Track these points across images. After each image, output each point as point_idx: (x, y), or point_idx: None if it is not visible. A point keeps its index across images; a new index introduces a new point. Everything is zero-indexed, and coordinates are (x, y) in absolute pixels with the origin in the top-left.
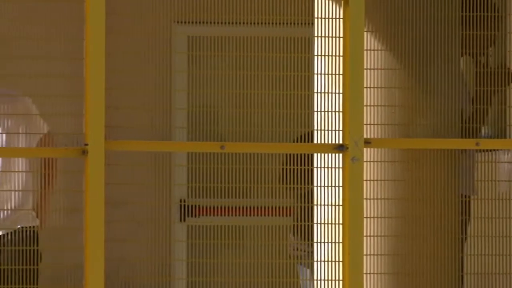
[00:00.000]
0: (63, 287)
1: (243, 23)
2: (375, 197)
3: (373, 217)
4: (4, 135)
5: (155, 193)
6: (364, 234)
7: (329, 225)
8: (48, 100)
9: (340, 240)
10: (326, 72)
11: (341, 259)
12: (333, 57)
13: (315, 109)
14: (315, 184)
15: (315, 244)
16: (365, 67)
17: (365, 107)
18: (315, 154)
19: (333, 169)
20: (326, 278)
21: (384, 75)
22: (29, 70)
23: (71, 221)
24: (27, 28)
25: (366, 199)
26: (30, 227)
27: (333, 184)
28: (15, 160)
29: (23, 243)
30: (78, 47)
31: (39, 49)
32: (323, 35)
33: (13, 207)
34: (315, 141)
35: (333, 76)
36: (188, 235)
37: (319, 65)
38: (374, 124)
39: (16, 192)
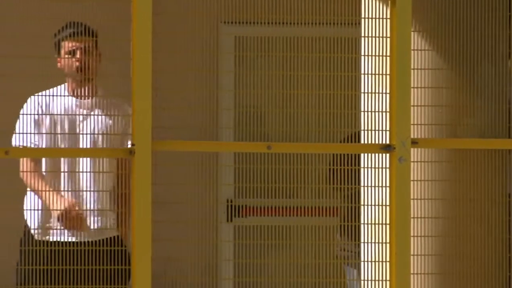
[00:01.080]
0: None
1: (290, 23)
2: (422, 197)
3: (420, 217)
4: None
5: (202, 193)
6: (411, 234)
7: (376, 225)
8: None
9: (387, 241)
10: (373, 72)
11: (388, 260)
12: (380, 57)
13: (362, 109)
14: (362, 184)
15: (362, 245)
16: (412, 67)
17: (412, 107)
18: (362, 154)
19: (380, 169)
20: (373, 278)
21: (431, 75)
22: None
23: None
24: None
25: (413, 199)
26: (115, 236)
27: (380, 184)
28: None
29: (109, 245)
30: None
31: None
32: (370, 35)
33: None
34: (362, 142)
35: (380, 76)
36: (235, 235)
37: (366, 65)
38: (421, 124)
39: (100, 194)
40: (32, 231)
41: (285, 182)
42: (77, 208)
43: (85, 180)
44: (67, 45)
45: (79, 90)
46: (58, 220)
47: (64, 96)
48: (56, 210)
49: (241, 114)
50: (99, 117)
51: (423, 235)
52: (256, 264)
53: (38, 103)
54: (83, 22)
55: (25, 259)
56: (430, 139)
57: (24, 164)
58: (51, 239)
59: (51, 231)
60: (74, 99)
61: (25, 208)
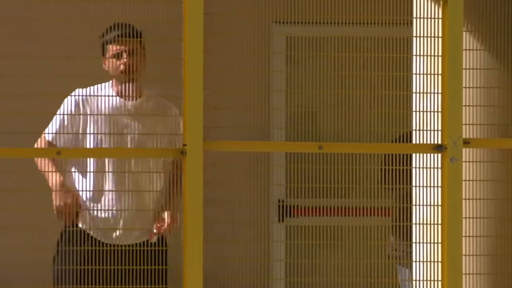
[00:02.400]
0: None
1: (341, 23)
2: (474, 197)
3: (472, 218)
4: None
5: (254, 193)
6: (463, 235)
7: (428, 226)
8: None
9: (439, 241)
10: (425, 72)
11: (440, 260)
12: (432, 57)
13: (414, 109)
14: (414, 184)
15: (414, 245)
16: (464, 67)
17: (464, 107)
18: (414, 154)
19: (432, 169)
20: (425, 278)
21: (483, 75)
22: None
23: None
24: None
25: (465, 199)
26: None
27: (432, 184)
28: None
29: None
30: (175, 47)
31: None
32: (422, 35)
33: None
34: (413, 141)
35: (432, 76)
36: (286, 235)
37: (418, 65)
38: (473, 124)
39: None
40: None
41: (337, 182)
42: (69, 201)
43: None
44: (112, 47)
45: (124, 91)
46: (58, 215)
47: (110, 96)
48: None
49: (293, 114)
50: (144, 119)
51: (475, 235)
52: (307, 264)
53: (81, 99)
54: (128, 23)
55: (63, 258)
56: (481, 139)
57: (41, 161)
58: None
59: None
60: (118, 99)
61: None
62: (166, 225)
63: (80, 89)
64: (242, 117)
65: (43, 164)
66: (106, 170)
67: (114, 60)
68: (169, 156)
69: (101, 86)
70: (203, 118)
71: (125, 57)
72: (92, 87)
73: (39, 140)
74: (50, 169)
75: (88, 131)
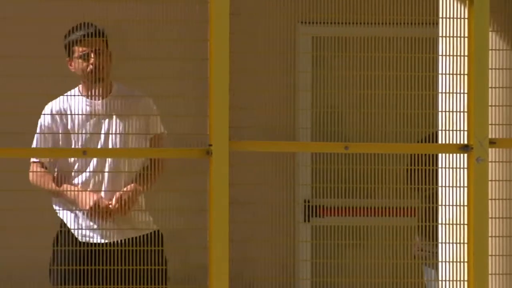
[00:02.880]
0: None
1: (367, 23)
2: (500, 198)
3: (498, 218)
4: (120, 135)
5: (279, 193)
6: (489, 235)
7: (454, 226)
8: (172, 101)
9: (465, 241)
10: (451, 72)
11: (466, 260)
12: (458, 57)
13: (440, 110)
14: (440, 184)
15: (440, 245)
16: (490, 67)
17: (490, 107)
18: (440, 155)
19: (458, 170)
20: (451, 278)
21: (509, 75)
22: (151, 70)
23: (196, 222)
24: (148, 29)
25: (491, 199)
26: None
27: (458, 185)
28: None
29: (150, 245)
30: (200, 47)
31: (160, 50)
32: (447, 35)
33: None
34: (439, 142)
35: (458, 76)
36: (312, 235)
37: (443, 65)
38: (499, 124)
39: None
40: (71, 231)
41: (363, 183)
42: (103, 201)
43: (110, 178)
44: (78, 49)
45: (93, 92)
46: (88, 215)
47: (77, 95)
48: (86, 206)
49: (319, 114)
50: (115, 117)
51: (501, 235)
52: (333, 265)
53: (54, 113)
54: (91, 22)
55: (59, 259)
56: (508, 139)
57: (34, 169)
58: (88, 240)
59: (86, 231)
60: (86, 101)
61: (56, 208)
62: (112, 203)
63: (51, 103)
64: (268, 117)
65: (42, 181)
66: (90, 170)
67: (80, 61)
68: (194, 156)
69: (70, 93)
70: (229, 118)
71: (92, 57)
72: (61, 98)
73: (31, 167)
74: (50, 182)
75: (70, 143)
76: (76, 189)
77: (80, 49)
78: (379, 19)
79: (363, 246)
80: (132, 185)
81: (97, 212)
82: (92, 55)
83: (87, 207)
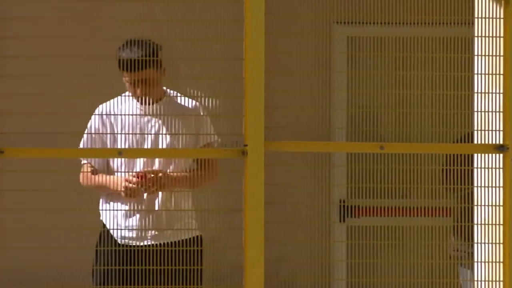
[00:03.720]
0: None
1: (402, 23)
2: None
3: None
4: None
5: (315, 193)
6: None
7: (490, 226)
8: (208, 101)
9: (501, 241)
10: (486, 72)
11: (501, 260)
12: (494, 57)
13: (475, 110)
14: (475, 184)
15: (475, 245)
16: None
17: None
18: (475, 155)
19: (493, 170)
20: (486, 279)
21: None
22: (187, 71)
23: (231, 222)
24: (185, 29)
25: None
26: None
27: (493, 185)
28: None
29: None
30: (236, 47)
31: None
32: (483, 35)
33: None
34: (475, 142)
35: (493, 76)
36: (347, 235)
37: (479, 65)
38: None
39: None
40: (111, 232)
41: (398, 183)
42: (134, 179)
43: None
44: (126, 74)
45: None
46: (123, 194)
47: (127, 96)
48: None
49: (354, 114)
50: (166, 122)
51: None
52: (369, 265)
53: (105, 115)
54: (144, 39)
55: (101, 259)
56: None
57: (83, 170)
58: (129, 243)
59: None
60: (138, 104)
61: (100, 209)
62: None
63: (102, 105)
64: (303, 117)
65: (88, 178)
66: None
67: (128, 84)
68: (229, 156)
69: (121, 97)
70: (264, 118)
71: (139, 87)
72: (113, 100)
73: (83, 168)
74: (94, 178)
75: (117, 146)
76: (115, 179)
77: (127, 75)
78: (414, 19)
79: (398, 246)
80: (177, 173)
81: (130, 191)
82: (139, 86)
83: (120, 189)
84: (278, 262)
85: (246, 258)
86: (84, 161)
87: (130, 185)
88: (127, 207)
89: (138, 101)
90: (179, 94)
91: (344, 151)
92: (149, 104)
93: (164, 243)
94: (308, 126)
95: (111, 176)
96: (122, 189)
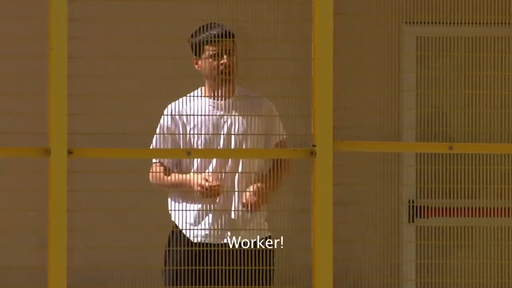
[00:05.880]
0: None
1: (472, 23)
2: None
3: None
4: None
5: (384, 193)
6: None
7: None
8: (276, 102)
9: None
10: None
11: None
12: None
13: None
14: None
15: None
16: None
17: None
18: None
19: None
20: None
21: None
22: (255, 71)
23: (300, 222)
24: (263, 28)
25: None
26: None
27: None
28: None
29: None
30: (304, 47)
31: (274, 50)
32: None
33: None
34: None
35: None
36: (417, 236)
37: None
38: None
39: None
40: (183, 232)
41: (467, 183)
42: (211, 179)
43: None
44: (210, 48)
45: (218, 92)
46: (199, 193)
47: (200, 96)
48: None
49: (423, 114)
50: (238, 117)
51: None
52: (438, 265)
53: (176, 114)
54: (220, 23)
55: (174, 259)
56: None
57: (154, 169)
58: (202, 241)
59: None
60: (210, 101)
61: (170, 209)
62: (250, 199)
63: (172, 104)
64: (372, 118)
65: (159, 178)
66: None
67: (210, 60)
68: (298, 156)
69: (192, 95)
70: (333, 118)
71: (224, 57)
72: (183, 98)
73: (152, 167)
74: (165, 177)
75: (189, 143)
76: (190, 178)
77: (212, 48)
78: (483, 19)
79: (468, 246)
80: (259, 184)
81: (206, 191)
82: (225, 55)
83: (197, 187)
84: (347, 263)
85: (315, 259)
86: (154, 160)
87: (207, 184)
88: (200, 206)
89: (220, 74)
90: (250, 92)
91: (413, 151)
92: (223, 99)
93: (240, 242)
94: (377, 126)
95: (186, 175)
96: (199, 188)
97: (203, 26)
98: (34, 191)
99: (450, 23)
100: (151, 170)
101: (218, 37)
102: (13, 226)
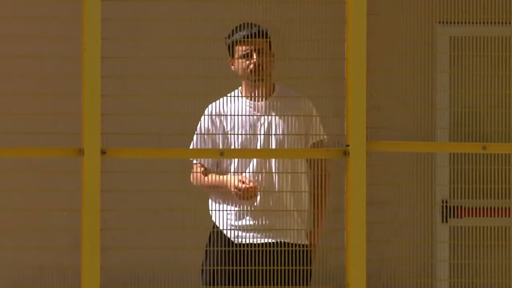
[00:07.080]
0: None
1: (506, 22)
2: None
3: None
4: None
5: (417, 193)
6: None
7: None
8: (313, 102)
9: None
10: None
11: None
12: None
13: None
14: None
15: None
16: None
17: None
18: None
19: None
20: None
21: None
22: (288, 70)
23: (333, 222)
24: (301, 28)
25: None
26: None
27: None
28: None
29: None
30: (337, 47)
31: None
32: None
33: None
34: None
35: None
36: (450, 236)
37: None
38: None
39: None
40: (224, 232)
41: (501, 183)
42: (249, 182)
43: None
44: (241, 48)
45: (253, 92)
46: (236, 194)
47: (238, 96)
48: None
49: (457, 114)
50: (275, 118)
51: None
52: (472, 265)
53: (215, 116)
54: (255, 23)
55: (213, 259)
56: None
57: (194, 170)
58: (242, 241)
59: (238, 231)
60: (248, 101)
61: (210, 209)
62: (314, 242)
63: (212, 105)
64: (406, 118)
65: (198, 178)
66: (249, 170)
67: (242, 60)
68: (330, 156)
69: (230, 95)
70: (366, 118)
71: (254, 57)
72: (222, 99)
73: (193, 168)
74: (204, 177)
75: (227, 144)
76: (225, 178)
77: (242, 48)
78: None
79: (502, 247)
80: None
81: (241, 192)
82: (254, 55)
83: (233, 189)
84: (380, 263)
85: (348, 259)
86: (195, 161)
87: (243, 185)
88: (240, 207)
89: (251, 73)
90: (292, 91)
91: (446, 151)
92: (261, 100)
93: (279, 242)
94: (411, 126)
95: (223, 176)
96: (235, 190)
97: (237, 26)
98: (67, 191)
99: (484, 22)
100: (192, 171)
101: (248, 37)
102: (47, 226)
